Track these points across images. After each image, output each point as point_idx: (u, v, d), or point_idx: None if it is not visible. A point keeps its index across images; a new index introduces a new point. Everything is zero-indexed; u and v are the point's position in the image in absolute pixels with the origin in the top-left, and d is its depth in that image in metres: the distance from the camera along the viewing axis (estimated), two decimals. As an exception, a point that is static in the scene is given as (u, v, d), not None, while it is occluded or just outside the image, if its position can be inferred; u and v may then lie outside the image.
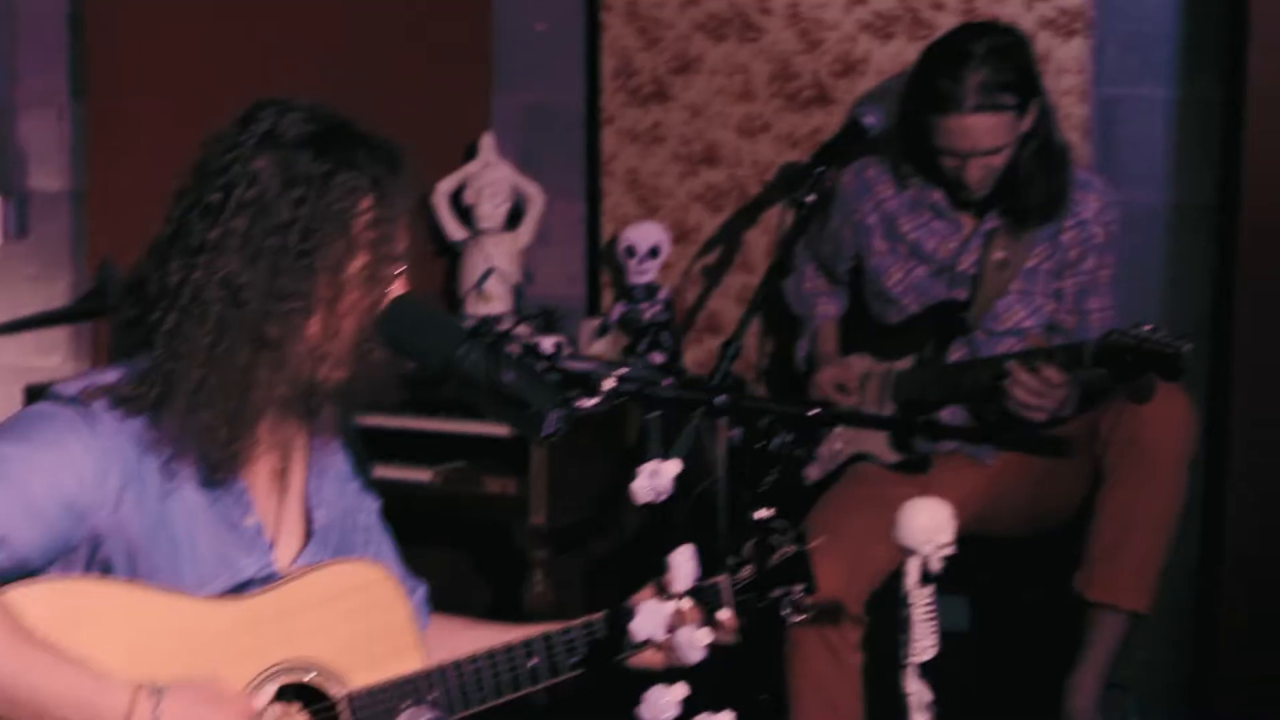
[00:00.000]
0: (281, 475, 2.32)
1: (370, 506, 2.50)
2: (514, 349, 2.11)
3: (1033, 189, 3.60)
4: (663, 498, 2.07)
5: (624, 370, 2.09)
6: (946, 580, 3.64)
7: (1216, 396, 3.89)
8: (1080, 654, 3.42)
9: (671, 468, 2.07)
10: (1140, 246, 4.04)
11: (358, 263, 2.18)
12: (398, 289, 2.23)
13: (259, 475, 2.30)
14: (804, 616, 2.39)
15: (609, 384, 2.08)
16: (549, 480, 3.81)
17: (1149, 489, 3.39)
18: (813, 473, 3.78)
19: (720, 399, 2.11)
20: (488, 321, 2.12)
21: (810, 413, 2.14)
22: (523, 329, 3.98)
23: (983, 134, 3.51)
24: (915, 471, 3.64)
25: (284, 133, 2.17)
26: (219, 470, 2.21)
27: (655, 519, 2.35)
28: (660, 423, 2.11)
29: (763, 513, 2.18)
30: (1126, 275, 3.81)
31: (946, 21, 4.07)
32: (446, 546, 4.30)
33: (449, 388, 2.11)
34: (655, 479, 2.06)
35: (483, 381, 2.08)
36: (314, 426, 2.32)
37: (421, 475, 3.95)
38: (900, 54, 4.17)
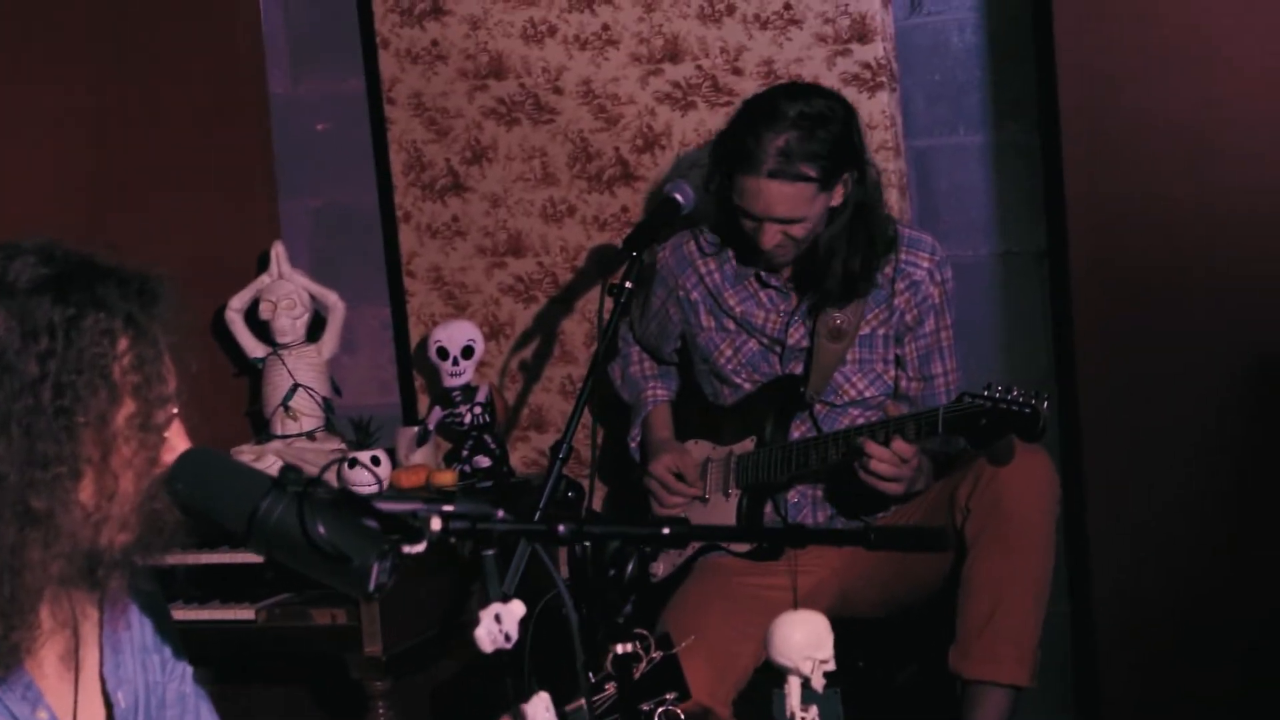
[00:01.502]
0: (74, 659, 2.09)
1: (181, 673, 2.27)
2: (325, 496, 1.86)
3: (830, 267, 3.45)
4: (510, 644, 1.84)
5: (449, 507, 1.86)
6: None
7: (1068, 448, 3.78)
8: (965, 734, 3.27)
9: (515, 610, 1.85)
10: (971, 299, 3.93)
11: (124, 411, 1.94)
12: (177, 434, 1.99)
13: (46, 661, 2.06)
14: None
15: (435, 525, 1.85)
16: (380, 606, 3.59)
17: (1017, 556, 3.26)
18: (659, 569, 3.63)
19: (563, 529, 1.89)
20: (293, 469, 1.87)
21: (664, 532, 1.93)
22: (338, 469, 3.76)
23: (777, 200, 3.36)
24: (768, 559, 3.48)
25: (15, 280, 1.93)
26: None
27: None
28: (497, 561, 1.88)
29: (624, 647, 1.96)
30: (960, 330, 3.71)
31: (746, 87, 3.94)
32: (280, 685, 4.11)
33: (256, 546, 1.87)
34: (499, 624, 1.84)
35: (294, 538, 1.84)
36: (103, 597, 2.07)
37: (244, 613, 3.75)
38: (702, 123, 4.03)
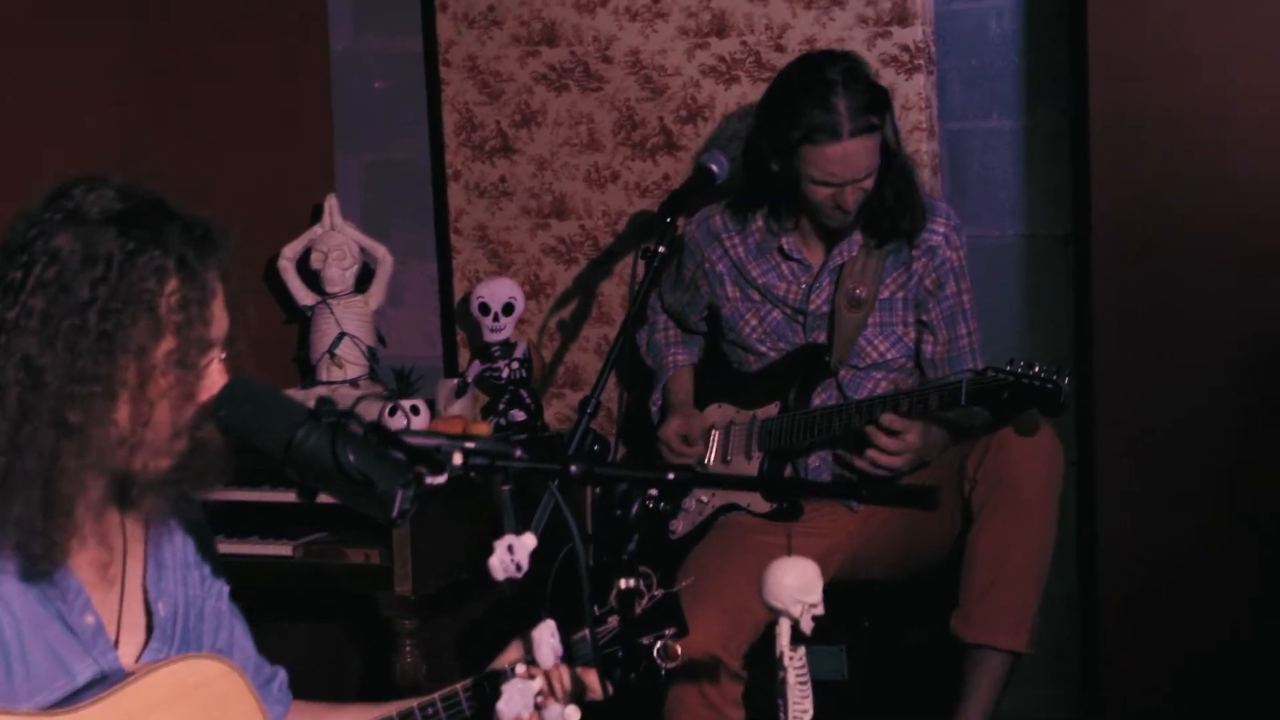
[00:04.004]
0: (120, 570, 2.23)
1: (219, 591, 2.41)
2: (356, 428, 2.01)
3: (903, 207, 3.58)
4: (520, 574, 1.98)
5: (471, 444, 2.01)
6: (822, 630, 3.64)
7: (1082, 429, 3.89)
8: (962, 696, 3.39)
9: (528, 542, 1.99)
10: (996, 280, 4.04)
11: (165, 346, 2.08)
12: (217, 375, 2.14)
13: (94, 570, 2.19)
14: (675, 663, 2.34)
15: (457, 459, 1.99)
16: (413, 548, 3.70)
17: (1020, 526, 3.37)
18: (679, 527, 3.73)
19: (575, 469, 2.03)
20: (328, 401, 2.01)
21: (669, 477, 2.07)
22: (370, 405, 3.88)
23: (861, 157, 3.48)
24: (786, 519, 3.60)
25: (88, 210, 2.08)
26: (41, 562, 2.09)
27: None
28: (513, 495, 2.02)
29: (627, 582, 2.10)
30: (984, 310, 3.81)
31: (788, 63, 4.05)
32: (313, 620, 4.21)
33: (291, 472, 2.02)
34: (511, 555, 1.98)
35: (326, 464, 1.99)
36: (148, 515, 2.22)
37: (282, 549, 3.84)
38: (745, 97, 4.15)
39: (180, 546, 2.33)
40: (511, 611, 3.97)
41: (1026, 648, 3.39)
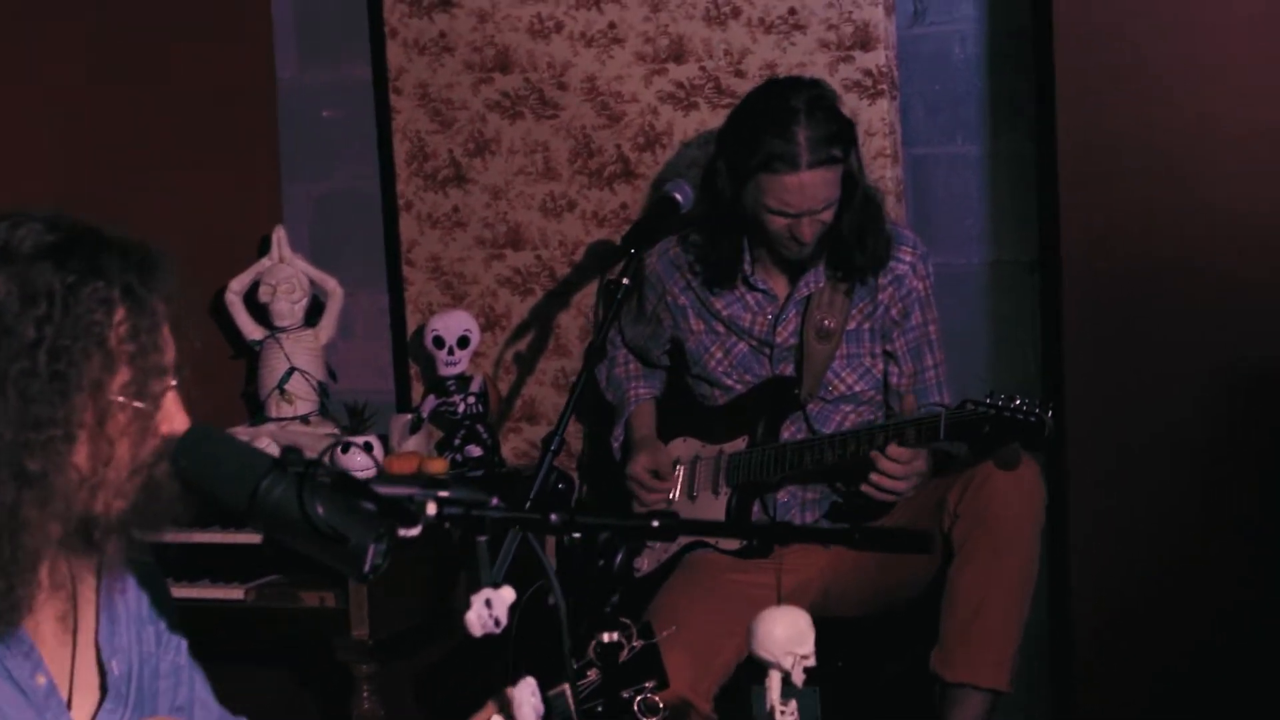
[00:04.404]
0: (72, 624, 2.13)
1: (177, 646, 2.31)
2: (323, 477, 1.91)
3: (863, 241, 3.52)
4: (499, 629, 1.88)
5: (445, 493, 1.91)
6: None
7: (1052, 455, 3.83)
8: (941, 735, 3.32)
9: (506, 596, 1.89)
10: (963, 307, 3.98)
11: (119, 379, 1.98)
12: (172, 405, 2.03)
13: (45, 626, 2.09)
14: (657, 717, 2.24)
15: (431, 510, 1.89)
16: (369, 590, 3.63)
17: (1003, 563, 3.30)
18: (644, 564, 3.65)
19: (555, 518, 1.93)
20: (294, 450, 1.91)
21: (654, 525, 1.97)
22: (333, 452, 3.79)
23: (819, 189, 3.41)
24: (756, 557, 3.53)
25: (19, 246, 1.97)
26: (1, 625, 1.99)
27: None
28: (490, 547, 1.92)
29: (610, 636, 2.01)
30: (950, 337, 3.76)
31: (748, 89, 3.96)
32: (266, 666, 4.12)
33: (256, 525, 1.91)
34: (490, 610, 1.88)
35: (293, 517, 1.88)
36: (102, 565, 2.12)
37: (233, 593, 3.78)
38: (704, 124, 4.07)
39: (134, 601, 2.23)
40: (470, 655, 3.91)
41: (1008, 686, 3.32)
